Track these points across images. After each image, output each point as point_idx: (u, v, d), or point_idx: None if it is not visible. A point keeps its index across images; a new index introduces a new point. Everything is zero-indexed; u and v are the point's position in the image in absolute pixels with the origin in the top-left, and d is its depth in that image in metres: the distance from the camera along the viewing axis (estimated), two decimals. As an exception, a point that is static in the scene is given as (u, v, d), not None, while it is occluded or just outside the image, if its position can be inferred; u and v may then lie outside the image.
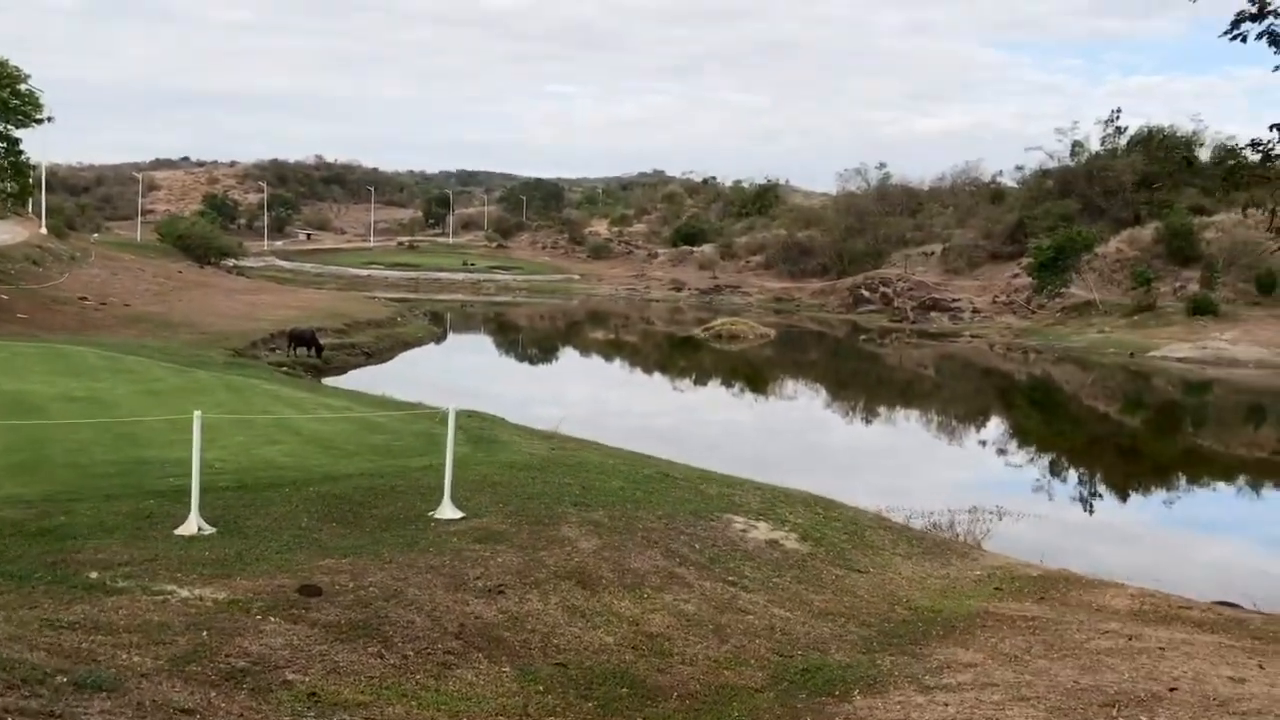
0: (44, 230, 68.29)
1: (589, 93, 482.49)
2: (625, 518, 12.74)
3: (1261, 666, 9.44)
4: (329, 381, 36.70)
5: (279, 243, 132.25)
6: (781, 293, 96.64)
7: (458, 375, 45.33)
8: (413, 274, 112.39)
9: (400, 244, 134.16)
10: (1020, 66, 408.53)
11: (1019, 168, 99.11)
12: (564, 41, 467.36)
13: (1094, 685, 8.85)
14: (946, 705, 8.43)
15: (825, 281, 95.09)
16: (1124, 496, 26.96)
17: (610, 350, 63.37)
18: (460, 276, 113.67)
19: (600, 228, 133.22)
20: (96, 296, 53.66)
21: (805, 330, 78.16)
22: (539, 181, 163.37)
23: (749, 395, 45.96)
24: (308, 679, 7.77)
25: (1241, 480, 29.13)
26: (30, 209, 73.90)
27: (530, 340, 71.23)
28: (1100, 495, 27.11)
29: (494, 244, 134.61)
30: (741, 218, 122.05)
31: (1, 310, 45.19)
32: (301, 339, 44.71)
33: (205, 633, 8.22)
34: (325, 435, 16.35)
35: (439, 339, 62.76)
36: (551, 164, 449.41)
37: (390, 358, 51.66)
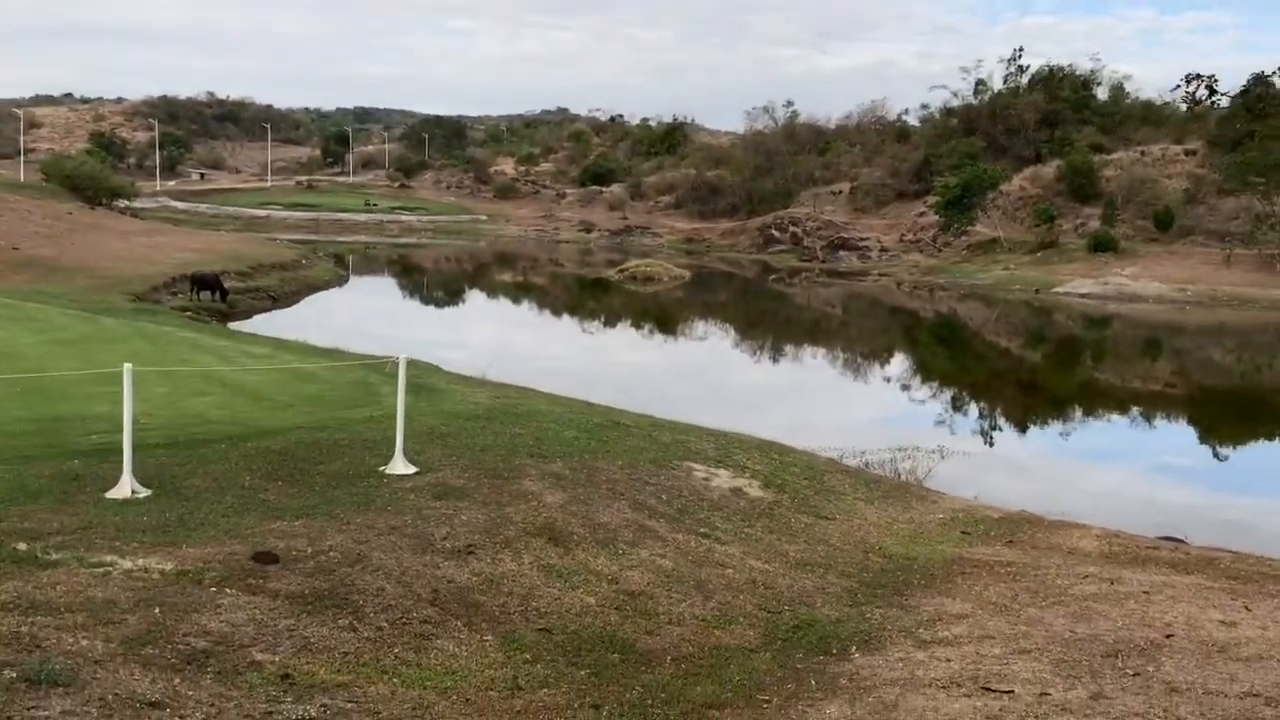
0: (-83, 169, 64.28)
1: (490, 27, 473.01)
2: (586, 469, 12.21)
3: (1248, 609, 9.37)
4: (236, 326, 35.33)
5: (172, 183, 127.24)
6: (692, 233, 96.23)
7: (368, 320, 44.06)
8: (313, 215, 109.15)
9: (299, 184, 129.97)
10: (921, 4, 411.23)
11: (924, 106, 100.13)
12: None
13: (1090, 634, 8.66)
14: (949, 661, 8.15)
15: (735, 221, 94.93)
16: (1039, 431, 27.39)
17: (524, 294, 62.41)
18: (363, 217, 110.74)
19: (506, 167, 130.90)
20: (-21, 240, 50.73)
21: (717, 271, 78.00)
22: (441, 119, 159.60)
23: (671, 337, 45.63)
24: (277, 658, 7.11)
25: (1152, 412, 29.85)
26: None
27: (439, 283, 69.78)
28: (1015, 430, 27.45)
29: (396, 184, 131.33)
30: (650, 157, 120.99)
31: (-124, 255, 42.42)
32: (205, 283, 42.97)
33: (157, 609, 7.49)
34: (254, 386, 15.42)
35: (344, 282, 61.06)
36: (452, 101, 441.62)
37: (296, 301, 50.06)
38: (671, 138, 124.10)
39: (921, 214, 79.88)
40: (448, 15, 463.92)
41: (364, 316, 44.96)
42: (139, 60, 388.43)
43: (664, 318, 51.64)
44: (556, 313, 54.09)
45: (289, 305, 48.42)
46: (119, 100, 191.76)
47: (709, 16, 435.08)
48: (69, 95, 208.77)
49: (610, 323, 51.02)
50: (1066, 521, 13.30)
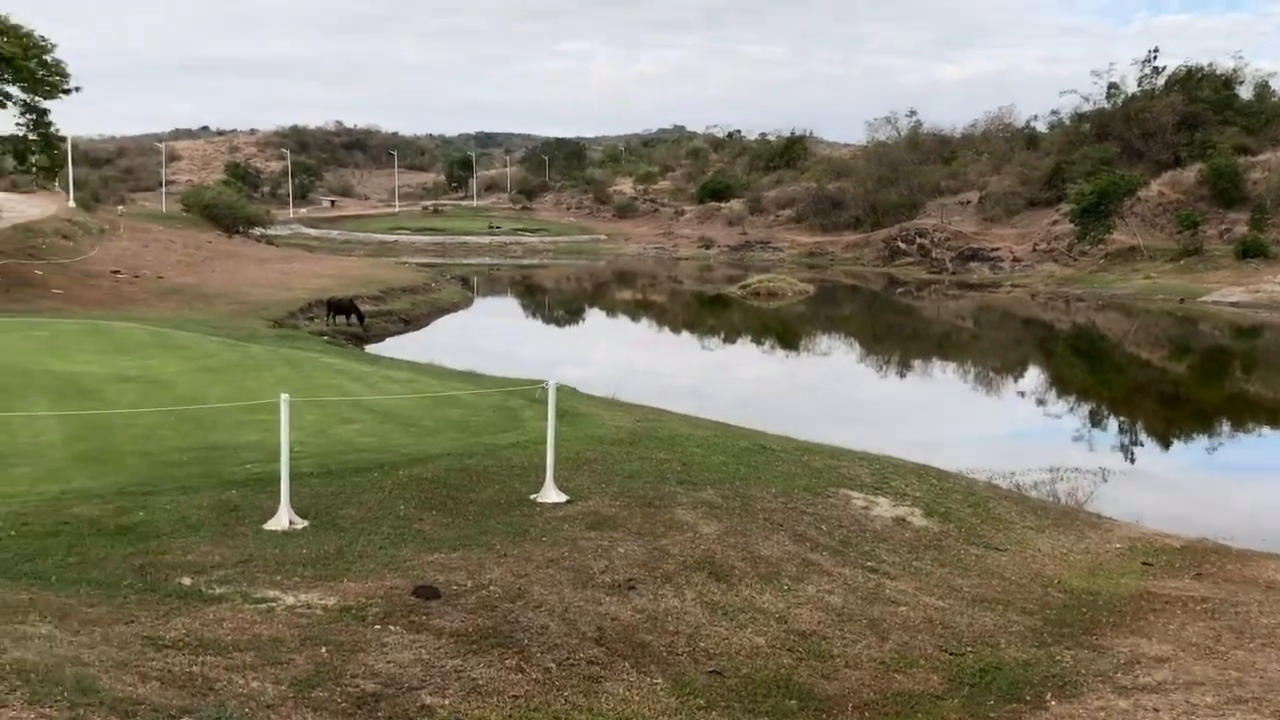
0: (72, 204, 67.49)
1: (605, 50, 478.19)
2: (739, 497, 11.77)
3: None
4: (371, 349, 35.93)
5: (304, 210, 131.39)
6: (814, 247, 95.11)
7: (497, 341, 44.45)
8: (439, 238, 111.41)
9: (425, 208, 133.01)
10: (1043, 9, 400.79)
11: (1054, 112, 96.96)
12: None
13: (1315, 682, 7.86)
14: (1157, 711, 7.46)
15: (858, 234, 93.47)
16: (1195, 448, 25.89)
17: (645, 311, 62.29)
18: (486, 239, 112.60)
19: (625, 186, 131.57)
20: (129, 269, 52.92)
21: (841, 285, 76.76)
22: (560, 141, 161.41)
23: (797, 353, 44.83)
24: (447, 702, 6.86)
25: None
26: (57, 183, 73.15)
27: (561, 302, 70.18)
28: (1168, 447, 25.99)
29: (518, 205, 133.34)
30: (769, 171, 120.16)
31: (36, 286, 44.51)
32: (341, 307, 43.92)
33: (324, 649, 7.32)
34: (400, 412, 15.42)
35: (470, 304, 61.84)
36: (570, 123, 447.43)
37: (426, 324, 50.88)
38: (790, 151, 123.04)
39: (1055, 222, 77.33)
40: (562, 39, 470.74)
41: (492, 338, 45.40)
42: (271, 93, 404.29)
43: (789, 333, 50.90)
44: (679, 330, 53.80)
45: (420, 328, 49.22)
46: (252, 132, 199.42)
47: (822, 30, 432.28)
48: (205, 129, 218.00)
49: (734, 339, 50.49)
50: (1258, 552, 12.33)
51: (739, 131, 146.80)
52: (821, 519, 11.45)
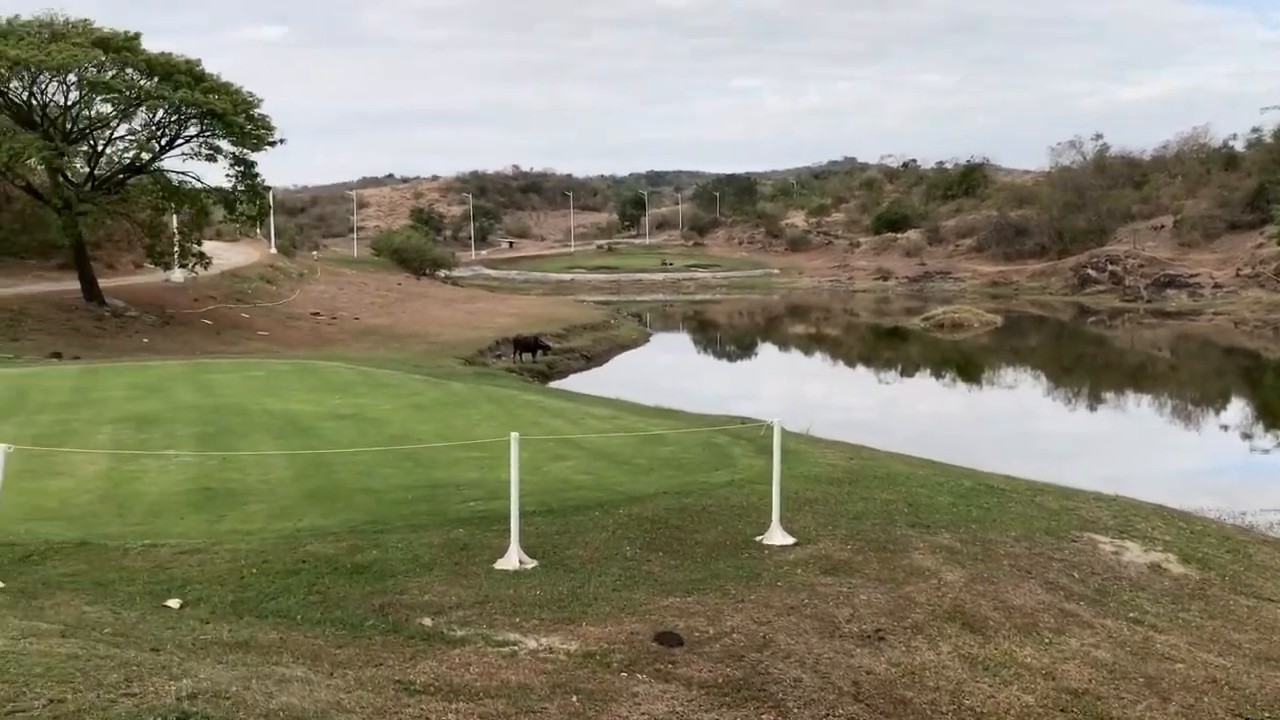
0: (273, 250, 71.31)
1: (773, 85, 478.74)
2: (978, 541, 11.08)
3: None
4: (554, 386, 36.32)
5: (484, 252, 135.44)
6: (997, 276, 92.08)
7: (681, 377, 44.40)
8: (614, 276, 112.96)
9: (599, 247, 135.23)
10: (1237, 23, 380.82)
11: (1255, 130, 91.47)
12: (745, 34, 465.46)
13: None
14: None
15: (1044, 262, 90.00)
16: None
17: (825, 346, 61.27)
18: (660, 276, 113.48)
19: (797, 219, 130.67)
20: (327, 311, 55.37)
21: (1027, 315, 73.87)
22: (730, 177, 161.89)
23: (999, 388, 43.09)
24: (708, 758, 6.49)
25: None
26: (259, 231, 77.38)
27: (735, 338, 69.80)
28: None
29: (690, 242, 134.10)
30: (946, 200, 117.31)
31: (243, 328, 46.96)
32: (526, 345, 44.76)
33: (575, 698, 7.07)
34: (610, 449, 15.28)
35: (648, 340, 62.05)
36: (739, 158, 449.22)
37: (606, 360, 51.33)
38: (969, 179, 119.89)
39: (1260, 245, 72.75)
40: (730, 76, 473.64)
41: (674, 374, 45.35)
42: (451, 140, 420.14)
43: (979, 366, 49.12)
44: (860, 364, 52.61)
45: (600, 364, 49.70)
46: (434, 178, 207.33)
47: (996, 56, 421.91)
48: (390, 176, 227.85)
49: (921, 372, 49.02)
50: None
51: (914, 161, 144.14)
52: (1071, 565, 10.64)
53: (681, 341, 69.11)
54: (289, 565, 9.91)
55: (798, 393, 39.59)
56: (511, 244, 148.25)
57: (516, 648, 8.02)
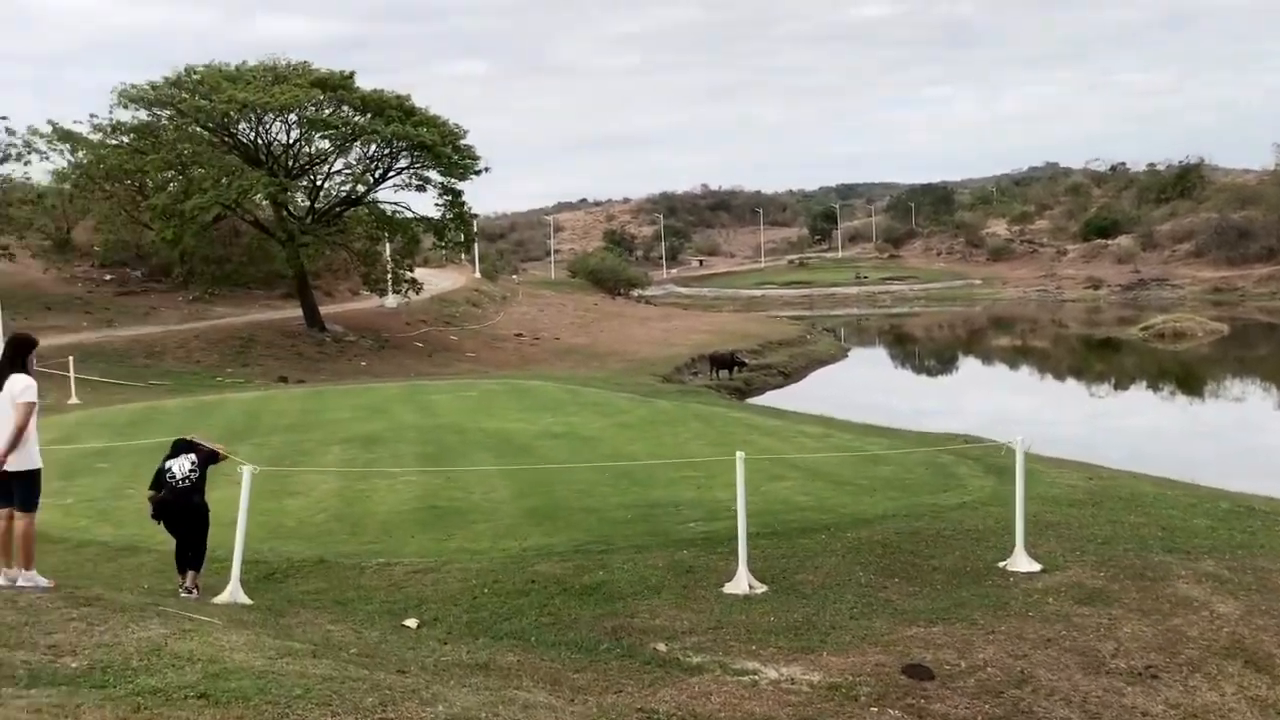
0: (478, 275, 73.69)
1: (967, 92, 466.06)
2: (1248, 570, 10.10)
3: None
4: (752, 403, 35.91)
5: (674, 270, 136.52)
6: (1219, 282, 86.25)
7: (885, 392, 43.26)
8: (806, 291, 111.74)
9: (790, 262, 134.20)
10: None
11: None
12: (938, 43, 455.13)
13: None
14: None
15: (1273, 266, 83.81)
16: None
17: (1035, 359, 58.59)
18: (854, 290, 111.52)
19: (998, 228, 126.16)
20: (529, 332, 56.74)
21: (1256, 323, 68.80)
22: (926, 187, 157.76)
23: (1229, 401, 40.10)
24: (977, 805, 6.00)
25: None
26: (464, 256, 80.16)
27: (939, 351, 67.60)
28: None
29: (885, 254, 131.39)
30: (1160, 204, 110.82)
31: (452, 350, 48.59)
32: (723, 362, 44.60)
33: (825, 733, 6.70)
34: (827, 469, 14.83)
35: (845, 355, 60.80)
36: (933, 168, 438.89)
37: (803, 376, 50.57)
38: (1185, 180, 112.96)
39: None
40: (922, 86, 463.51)
41: (877, 390, 44.20)
42: (641, 163, 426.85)
43: (1202, 377, 45.90)
44: (1076, 377, 49.98)
45: (796, 380, 48.99)
46: (625, 200, 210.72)
47: (1210, 51, 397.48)
48: (584, 200, 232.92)
49: (1143, 385, 46.17)
50: None
51: (1122, 164, 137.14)
52: (1364, 598, 9.55)
53: (880, 356, 67.49)
54: (519, 585, 9.91)
55: (1007, 408, 37.85)
56: (701, 262, 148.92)
57: (756, 677, 7.71)
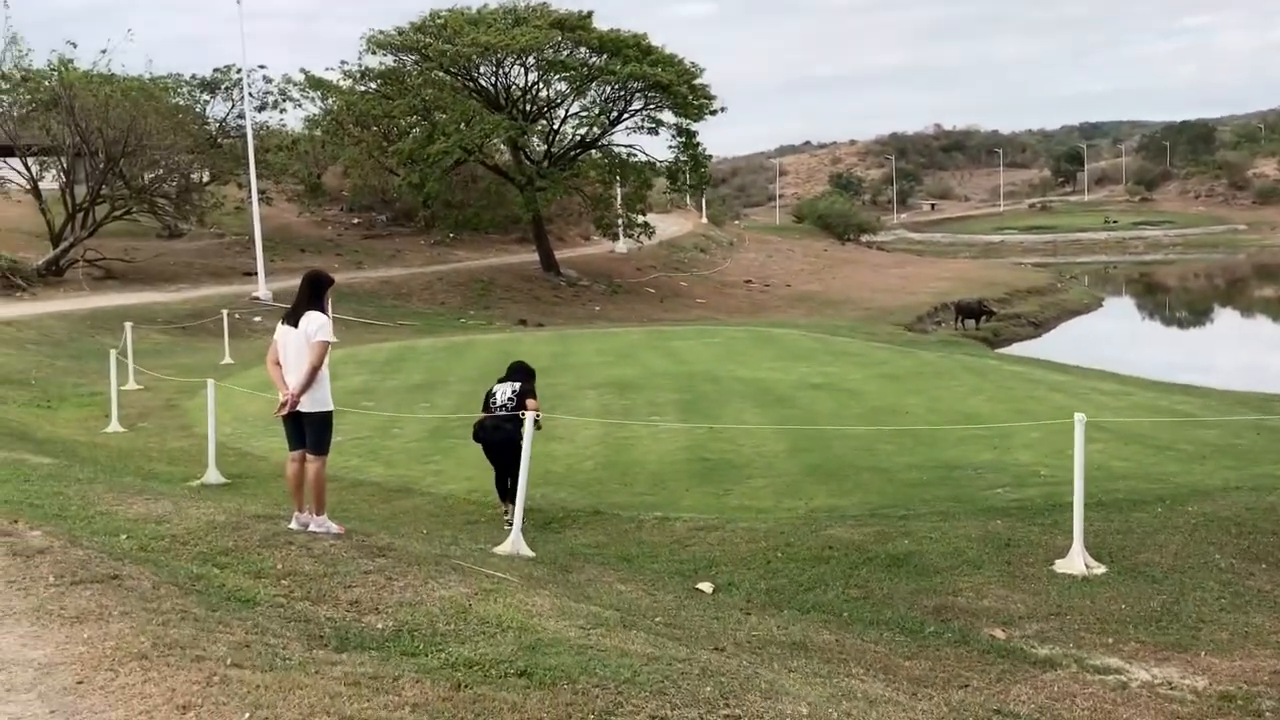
0: (704, 220, 73.00)
1: (1233, 20, 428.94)
2: None
3: None
4: (1005, 353, 33.72)
5: (903, 215, 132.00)
6: None
7: (1151, 345, 40.04)
8: (1049, 237, 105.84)
9: (1031, 206, 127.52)
10: None
11: None
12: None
13: None
14: None
15: None
16: None
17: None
18: (1102, 236, 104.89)
19: (1267, 168, 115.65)
20: (759, 279, 55.72)
21: None
22: (1183, 124, 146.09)
23: None
24: None
25: None
26: (689, 201, 79.61)
27: (1207, 302, 62.28)
28: None
29: (1136, 198, 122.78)
30: None
31: (683, 295, 48.16)
32: (969, 311, 42.44)
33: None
34: (1139, 431, 13.23)
35: (1099, 305, 56.81)
36: (1190, 104, 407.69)
37: (1054, 326, 47.62)
38: None
39: None
40: (1181, 14, 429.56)
41: (1143, 341, 40.99)
42: (869, 104, 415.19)
43: None
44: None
45: (1046, 331, 46.14)
46: (852, 143, 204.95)
47: None
48: (807, 143, 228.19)
49: None
50: None
51: None
52: None
53: (1137, 306, 62.81)
54: (814, 551, 9.03)
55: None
56: (933, 206, 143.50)
57: (1124, 678, 6.54)
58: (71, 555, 6.47)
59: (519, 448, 9.24)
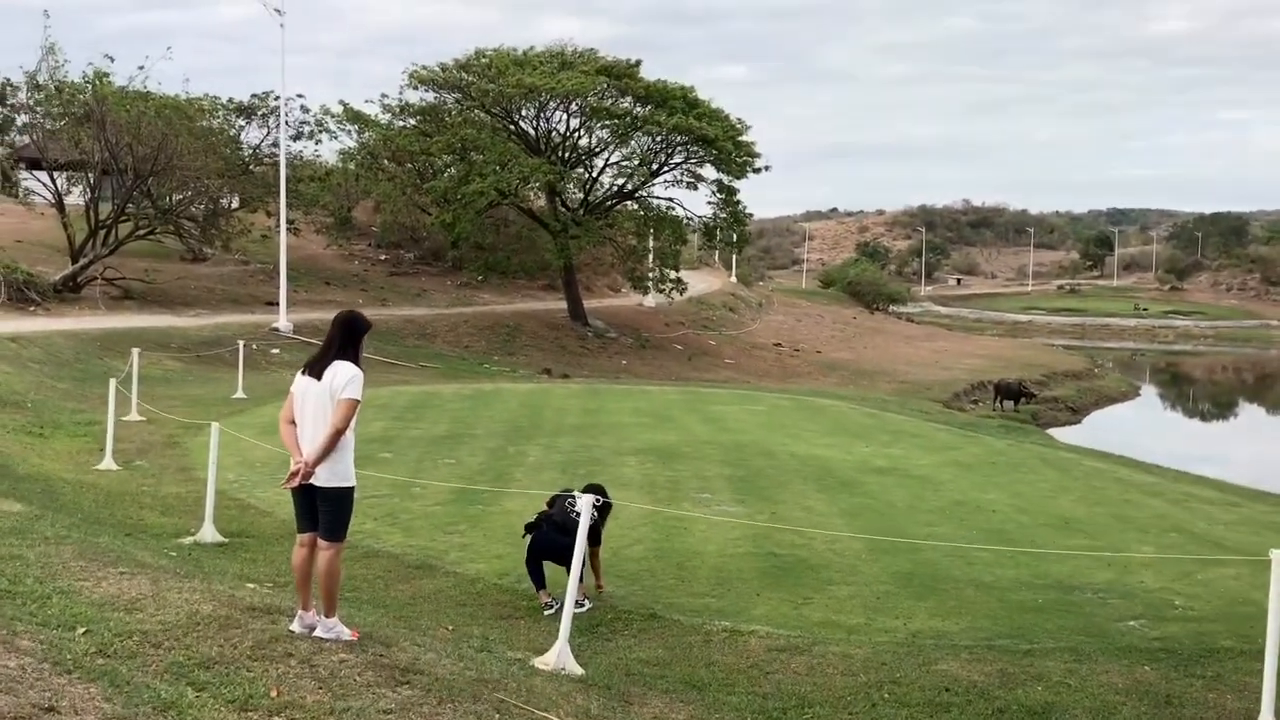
0: (733, 279, 71.67)
1: (1268, 117, 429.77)
2: None
3: None
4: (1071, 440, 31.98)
5: (929, 288, 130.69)
6: None
7: (1204, 440, 38.28)
8: (1077, 319, 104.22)
9: (1060, 288, 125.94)
10: None
11: None
12: (1242, 64, 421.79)
13: None
14: None
15: None
16: None
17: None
18: (1131, 322, 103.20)
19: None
20: (788, 343, 54.18)
21: None
22: (1215, 216, 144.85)
23: None
24: None
25: None
26: (718, 259, 78.38)
27: (1247, 395, 60.53)
28: None
29: (1167, 286, 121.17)
30: None
31: (710, 354, 46.61)
32: (1009, 392, 40.78)
33: None
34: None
35: (1136, 394, 55.09)
36: (1221, 196, 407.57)
37: (1089, 413, 45.89)
38: None
39: None
40: (1217, 108, 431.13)
41: (1195, 435, 39.21)
42: (898, 174, 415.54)
43: None
44: None
45: (1085, 416, 44.48)
46: (880, 212, 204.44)
47: None
48: (834, 210, 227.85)
49: None
50: None
51: None
52: None
53: (1175, 397, 60.98)
54: (928, 694, 7.35)
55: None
56: (959, 280, 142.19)
57: None
58: (0, 667, 4.88)
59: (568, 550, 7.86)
